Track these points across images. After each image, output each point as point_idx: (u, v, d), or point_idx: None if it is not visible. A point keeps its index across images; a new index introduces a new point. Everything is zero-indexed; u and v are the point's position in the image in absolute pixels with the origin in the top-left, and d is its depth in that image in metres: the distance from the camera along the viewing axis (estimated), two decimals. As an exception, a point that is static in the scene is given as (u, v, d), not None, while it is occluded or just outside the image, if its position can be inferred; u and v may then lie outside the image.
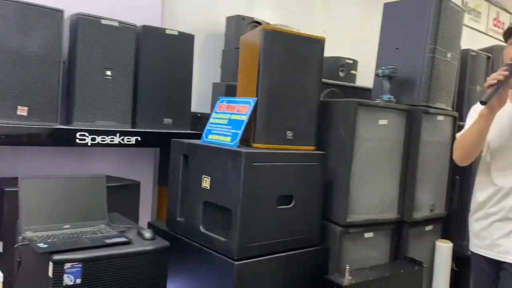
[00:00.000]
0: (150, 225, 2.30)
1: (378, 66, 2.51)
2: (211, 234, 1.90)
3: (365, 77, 3.68)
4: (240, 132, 1.94)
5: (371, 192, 2.18)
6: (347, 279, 1.91)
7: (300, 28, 3.26)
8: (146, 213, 2.68)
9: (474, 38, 5.37)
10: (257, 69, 1.95)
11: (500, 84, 1.42)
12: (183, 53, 2.50)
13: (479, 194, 1.72)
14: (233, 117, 2.04)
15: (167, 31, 2.41)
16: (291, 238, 1.96)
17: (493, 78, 1.44)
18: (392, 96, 2.33)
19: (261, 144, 1.95)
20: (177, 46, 2.45)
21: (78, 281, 1.48)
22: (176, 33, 2.44)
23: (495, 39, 5.98)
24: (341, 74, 3.60)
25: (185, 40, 2.51)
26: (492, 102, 1.45)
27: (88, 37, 2.19)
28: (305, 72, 2.05)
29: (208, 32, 3.18)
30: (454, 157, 1.69)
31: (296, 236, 1.98)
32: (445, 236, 2.58)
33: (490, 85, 1.44)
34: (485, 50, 3.35)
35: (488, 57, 3.26)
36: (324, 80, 2.88)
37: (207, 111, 2.98)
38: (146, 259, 1.65)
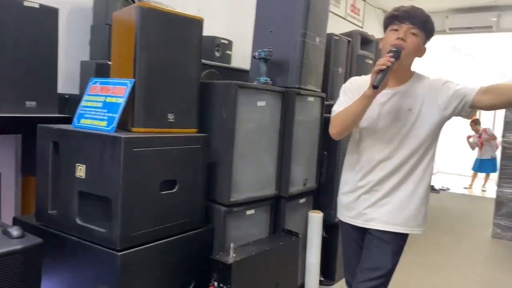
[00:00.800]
0: (16, 221, 2.06)
1: (254, 48, 2.57)
2: (89, 225, 1.78)
3: (239, 58, 3.76)
4: (117, 116, 1.83)
5: (251, 171, 2.26)
6: (231, 257, 1.97)
7: (173, 6, 3.17)
8: (9, 208, 2.39)
9: (335, 23, 5.83)
10: (133, 49, 1.85)
11: (387, 70, 1.52)
12: (46, 28, 2.23)
13: (349, 170, 1.88)
14: (109, 99, 1.91)
15: (26, 3, 2.12)
16: (175, 222, 1.94)
17: (382, 63, 1.53)
18: (268, 79, 2.42)
19: (140, 128, 1.87)
20: (39, 20, 2.18)
21: None
22: (37, 5, 2.16)
23: (353, 24, 6.58)
24: (217, 54, 3.60)
25: (48, 14, 2.24)
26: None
27: None
28: (184, 53, 2.01)
29: (74, 5, 2.90)
30: (332, 131, 1.73)
31: (181, 220, 1.97)
32: (316, 207, 2.82)
33: (380, 70, 1.53)
34: (345, 34, 3.67)
35: (348, 41, 3.58)
36: (202, 61, 2.88)
37: (76, 92, 2.75)
38: (15, 260, 1.47)
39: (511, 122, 4.50)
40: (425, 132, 1.70)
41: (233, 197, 2.15)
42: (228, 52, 3.74)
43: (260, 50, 2.43)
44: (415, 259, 3.69)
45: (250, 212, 2.29)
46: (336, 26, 5.50)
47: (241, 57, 3.63)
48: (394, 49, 1.56)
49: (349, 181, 1.87)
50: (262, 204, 2.37)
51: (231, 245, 2.02)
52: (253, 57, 2.50)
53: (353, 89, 1.76)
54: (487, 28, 7.29)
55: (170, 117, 1.98)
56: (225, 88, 2.16)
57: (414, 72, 1.76)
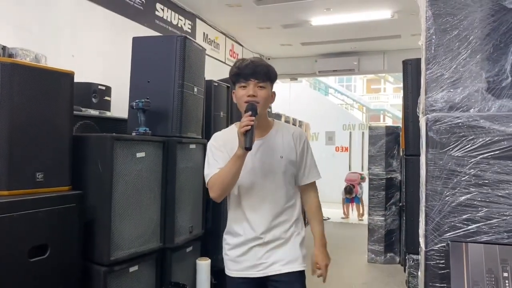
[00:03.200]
0: None
1: (131, 98, 2.54)
2: None
3: (120, 103, 3.66)
4: (-26, 179, 1.65)
5: (133, 225, 2.18)
6: (114, 321, 1.85)
7: (45, 52, 3.01)
8: None
9: (215, 67, 6.05)
10: (-7, 106, 1.71)
11: (252, 128, 1.58)
12: None
13: (235, 226, 1.81)
14: (-36, 161, 1.72)
15: None
16: (48, 291, 1.78)
17: (245, 125, 1.56)
18: (147, 128, 2.40)
19: (3, 191, 1.71)
20: None
21: None
22: None
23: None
24: (94, 100, 3.47)
25: None
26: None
27: None
28: (54, 107, 1.91)
29: None
30: (213, 195, 1.71)
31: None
32: (203, 253, 2.81)
33: (246, 131, 1.56)
34: (224, 80, 3.83)
35: (228, 87, 3.73)
36: (76, 112, 2.75)
37: None
38: None
39: (375, 156, 5.06)
40: (293, 176, 1.82)
41: (113, 256, 2.04)
42: (106, 98, 3.63)
43: (137, 101, 2.41)
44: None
45: (133, 269, 2.19)
46: (216, 69, 5.72)
47: (122, 102, 3.54)
48: (250, 107, 1.64)
49: (236, 235, 1.82)
50: (147, 258, 2.29)
51: (113, 308, 1.90)
52: (131, 107, 2.47)
53: (219, 146, 1.77)
54: (350, 71, 8.21)
55: (39, 176, 1.84)
56: (100, 141, 2.09)
57: (273, 120, 1.87)
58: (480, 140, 1.28)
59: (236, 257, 1.81)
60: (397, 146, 4.99)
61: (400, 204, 4.89)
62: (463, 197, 1.29)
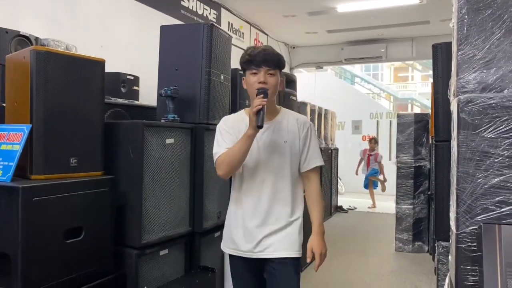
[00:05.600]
0: None
1: (160, 86, 2.59)
2: (-16, 286, 1.63)
3: (148, 93, 3.73)
4: (13, 164, 1.72)
5: (163, 210, 2.24)
6: (146, 302, 1.91)
7: (75, 42, 3.09)
8: None
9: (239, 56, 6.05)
10: (29, 93, 1.77)
11: (263, 109, 1.67)
12: None
13: (236, 207, 1.86)
14: (3, 147, 1.80)
15: None
16: (83, 272, 1.84)
17: (257, 105, 1.66)
18: (176, 115, 2.44)
19: (40, 175, 1.78)
20: None
21: None
22: None
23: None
24: (123, 90, 3.55)
25: None
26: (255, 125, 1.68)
27: None
28: (85, 94, 1.96)
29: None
30: (220, 173, 1.76)
31: (89, 269, 1.88)
32: (231, 239, 2.84)
33: (258, 111, 1.66)
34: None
35: (254, 76, 3.74)
36: (106, 100, 2.82)
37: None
38: None
39: (403, 144, 4.97)
40: (297, 161, 1.85)
41: (144, 239, 2.10)
42: (135, 87, 3.70)
43: (166, 88, 2.45)
44: (327, 279, 3.85)
45: (163, 252, 2.24)
46: (242, 59, 5.73)
47: (149, 92, 3.61)
48: (262, 91, 1.71)
49: (237, 216, 1.86)
50: (176, 242, 2.34)
51: (145, 289, 1.96)
52: (159, 94, 2.51)
53: (228, 128, 1.83)
54: (378, 58, 8.07)
55: (73, 161, 1.91)
56: (131, 127, 2.14)
57: (280, 107, 1.92)
58: (515, 120, 1.25)
59: (238, 238, 1.84)
60: (426, 134, 4.89)
61: (429, 192, 4.80)
62: (496, 179, 1.27)
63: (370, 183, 8.17)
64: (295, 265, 1.83)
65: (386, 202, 7.99)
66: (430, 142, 4.81)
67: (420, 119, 4.94)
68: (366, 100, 12.32)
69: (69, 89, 1.88)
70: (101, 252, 1.96)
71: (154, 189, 2.17)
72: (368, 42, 7.76)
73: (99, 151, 2.04)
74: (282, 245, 1.80)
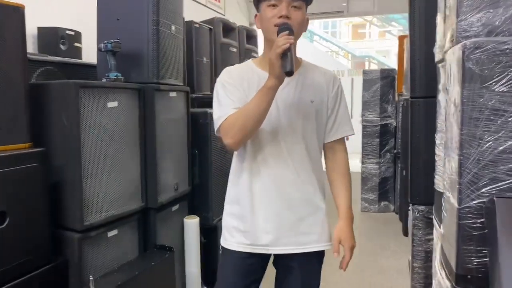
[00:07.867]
0: None
1: (99, 40, 2.20)
2: None
3: (92, 51, 3.28)
4: None
5: (109, 185, 1.92)
6: (92, 293, 1.64)
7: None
8: None
9: (194, 10, 5.57)
10: None
11: (290, 49, 1.21)
12: None
13: (247, 190, 1.43)
14: None
15: None
16: (12, 264, 1.53)
17: (283, 43, 1.21)
18: (119, 74, 2.08)
19: None
20: None
21: None
22: None
23: (214, 11, 6.41)
24: (63, 47, 3.10)
25: None
26: (281, 71, 1.23)
27: None
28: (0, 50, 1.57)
29: None
30: (230, 141, 1.32)
31: (19, 260, 1.56)
32: (191, 211, 2.58)
33: (284, 52, 1.21)
34: (206, 22, 3.46)
35: (210, 29, 3.37)
36: (35, 57, 2.40)
37: None
38: None
39: (368, 102, 4.80)
40: (323, 128, 1.47)
41: (87, 220, 1.79)
42: (77, 44, 3.25)
43: (106, 41, 2.07)
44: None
45: (112, 233, 1.94)
46: (196, 13, 5.27)
47: (95, 50, 3.18)
48: (285, 27, 1.28)
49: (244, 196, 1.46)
50: (127, 221, 2.04)
51: (90, 278, 1.68)
52: (99, 49, 2.13)
53: (234, 83, 1.39)
54: (339, 13, 7.79)
55: (-11, 132, 1.54)
56: (63, 89, 1.77)
57: (301, 58, 1.51)
58: (534, 70, 1.01)
59: (248, 227, 1.44)
60: (392, 91, 4.73)
61: (395, 151, 4.71)
62: (508, 142, 1.04)
63: None
64: (321, 260, 1.51)
65: (351, 161, 7.97)
66: (397, 99, 4.66)
67: (386, 75, 4.77)
68: (326, 59, 12.13)
69: (-25, 41, 1.49)
70: (34, 239, 1.64)
71: (96, 161, 1.84)
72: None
73: (24, 118, 1.67)
74: (316, 236, 1.44)
